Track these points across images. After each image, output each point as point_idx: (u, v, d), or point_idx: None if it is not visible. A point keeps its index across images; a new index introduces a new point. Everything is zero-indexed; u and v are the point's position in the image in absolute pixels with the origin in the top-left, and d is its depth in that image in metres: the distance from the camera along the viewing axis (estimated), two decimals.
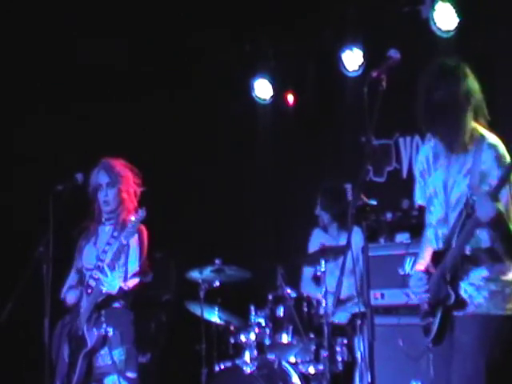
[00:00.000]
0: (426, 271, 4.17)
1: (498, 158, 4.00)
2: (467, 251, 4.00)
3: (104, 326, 5.09)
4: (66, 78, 7.62)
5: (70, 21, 7.45)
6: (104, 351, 5.14)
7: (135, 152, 5.57)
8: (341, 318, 6.28)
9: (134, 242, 5.25)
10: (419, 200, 4.36)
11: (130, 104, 7.88)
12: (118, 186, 5.40)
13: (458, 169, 4.10)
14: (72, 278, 5.47)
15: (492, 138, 4.10)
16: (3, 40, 7.31)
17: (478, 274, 4.01)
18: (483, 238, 4.00)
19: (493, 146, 4.04)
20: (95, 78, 7.70)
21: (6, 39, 7.33)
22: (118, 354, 5.14)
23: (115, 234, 5.33)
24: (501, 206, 3.84)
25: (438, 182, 4.18)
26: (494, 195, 3.83)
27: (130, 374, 5.17)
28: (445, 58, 4.19)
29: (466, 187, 4.02)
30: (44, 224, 5.03)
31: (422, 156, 4.32)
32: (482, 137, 4.09)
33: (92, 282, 5.23)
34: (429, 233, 4.26)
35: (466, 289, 4.02)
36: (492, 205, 3.80)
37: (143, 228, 5.35)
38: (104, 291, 5.09)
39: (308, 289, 6.64)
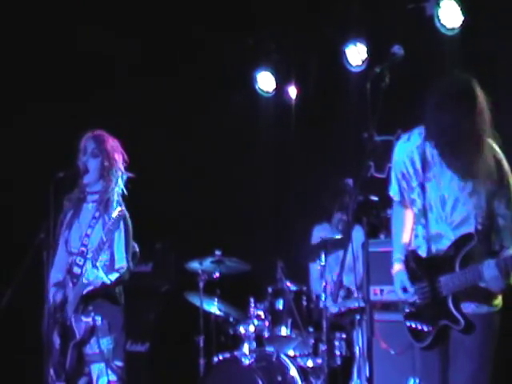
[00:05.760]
0: (407, 269, 4.13)
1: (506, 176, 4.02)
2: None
3: (92, 314, 5.04)
4: (66, 76, 7.65)
5: (70, 11, 7.48)
6: (92, 340, 5.10)
7: (136, 144, 5.54)
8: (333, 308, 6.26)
9: (119, 232, 5.11)
10: (396, 196, 4.28)
11: (131, 98, 7.90)
12: (102, 159, 5.21)
13: (461, 186, 4.02)
14: (60, 265, 5.28)
15: (494, 151, 4.04)
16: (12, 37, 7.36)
17: None
18: None
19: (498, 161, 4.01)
20: (95, 73, 7.73)
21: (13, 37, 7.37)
22: (106, 343, 5.11)
23: (97, 214, 5.20)
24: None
25: (432, 195, 4.08)
26: None
27: (118, 363, 5.16)
28: (456, 74, 4.13)
29: (473, 207, 3.99)
30: (45, 212, 5.01)
31: (404, 156, 4.20)
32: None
33: (77, 270, 5.14)
34: (416, 242, 4.17)
35: None
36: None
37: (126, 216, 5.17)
38: (87, 282, 5.01)
39: (318, 287, 6.52)
